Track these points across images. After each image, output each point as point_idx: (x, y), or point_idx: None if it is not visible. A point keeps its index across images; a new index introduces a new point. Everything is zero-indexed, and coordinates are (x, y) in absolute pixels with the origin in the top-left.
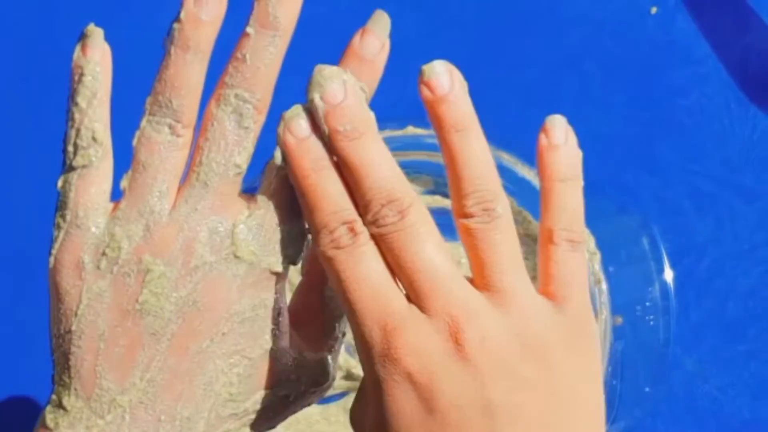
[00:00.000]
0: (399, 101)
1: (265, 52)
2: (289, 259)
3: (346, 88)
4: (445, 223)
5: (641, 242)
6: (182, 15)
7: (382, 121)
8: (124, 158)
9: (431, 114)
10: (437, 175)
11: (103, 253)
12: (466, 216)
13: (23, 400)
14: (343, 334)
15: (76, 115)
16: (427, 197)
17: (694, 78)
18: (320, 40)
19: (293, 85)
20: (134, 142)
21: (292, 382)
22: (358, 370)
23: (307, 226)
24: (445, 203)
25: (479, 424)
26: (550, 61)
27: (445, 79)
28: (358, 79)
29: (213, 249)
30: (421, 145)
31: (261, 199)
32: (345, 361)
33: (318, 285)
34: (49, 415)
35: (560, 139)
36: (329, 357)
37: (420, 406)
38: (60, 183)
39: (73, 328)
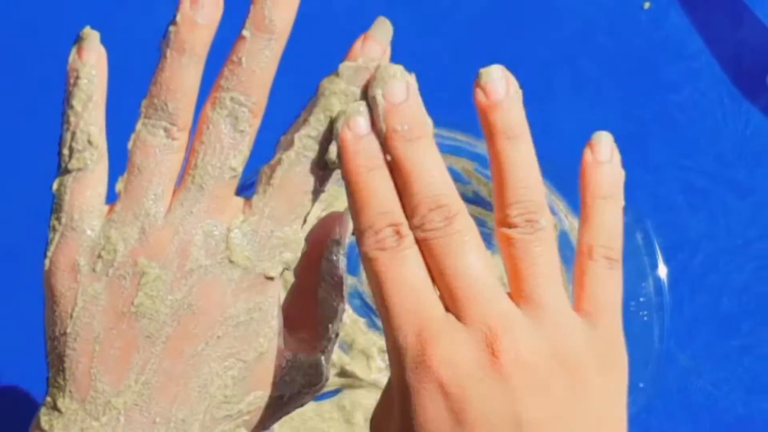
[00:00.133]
0: None
1: (261, 56)
2: (284, 265)
3: (409, 88)
4: None
5: (635, 238)
6: (178, 18)
7: None
8: (119, 161)
9: (483, 119)
10: None
11: (99, 256)
12: (509, 225)
13: (18, 402)
14: (337, 335)
15: (72, 118)
16: None
17: (687, 73)
18: (316, 42)
19: (289, 88)
20: (129, 145)
21: (287, 384)
22: (352, 367)
23: (350, 229)
24: None
25: None
26: (542, 56)
27: (501, 85)
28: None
29: (208, 253)
30: None
31: (256, 204)
32: (338, 358)
33: (311, 286)
34: (44, 417)
35: (605, 156)
36: (323, 358)
37: (449, 417)
38: (55, 185)
39: (68, 330)
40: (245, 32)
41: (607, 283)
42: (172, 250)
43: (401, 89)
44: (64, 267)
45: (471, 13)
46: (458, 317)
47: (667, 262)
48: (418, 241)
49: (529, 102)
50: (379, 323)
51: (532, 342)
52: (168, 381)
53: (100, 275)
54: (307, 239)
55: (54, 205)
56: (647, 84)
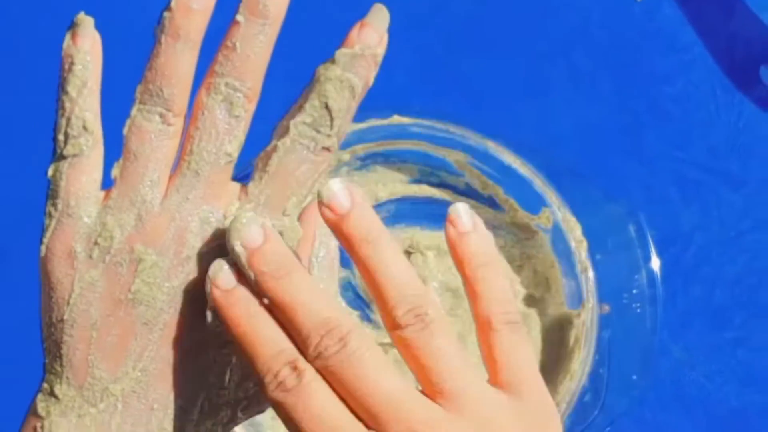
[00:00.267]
0: (384, 91)
1: (255, 41)
2: None
3: (265, 230)
4: (433, 212)
5: (628, 230)
6: (173, 3)
7: (367, 111)
8: (114, 147)
9: (338, 234)
10: (423, 164)
11: (95, 243)
12: (400, 327)
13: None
14: None
15: (67, 104)
16: (414, 186)
17: (680, 65)
18: (311, 30)
19: (283, 73)
20: (125, 130)
21: None
22: None
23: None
24: (432, 192)
25: None
26: (536, 49)
27: (343, 196)
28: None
29: (204, 239)
30: (406, 134)
31: (252, 191)
32: None
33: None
34: (41, 404)
35: (468, 226)
36: None
37: None
38: (50, 171)
39: (65, 317)
40: (239, 17)
41: (518, 347)
42: (168, 236)
43: (257, 233)
44: (61, 253)
45: (465, 6)
46: None
47: (660, 254)
48: (319, 371)
49: (523, 95)
50: (373, 316)
51: None
52: (166, 368)
53: (96, 262)
54: (300, 223)
55: (49, 191)
56: (640, 76)
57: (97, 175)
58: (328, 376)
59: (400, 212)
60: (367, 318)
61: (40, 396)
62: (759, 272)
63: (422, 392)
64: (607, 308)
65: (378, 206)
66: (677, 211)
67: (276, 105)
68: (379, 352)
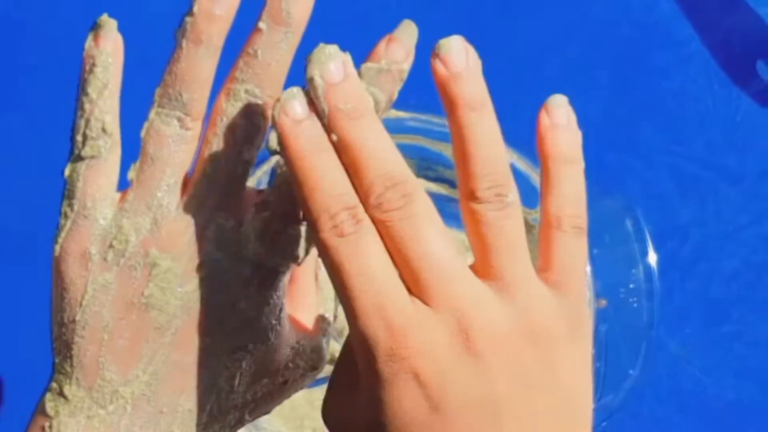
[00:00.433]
0: None
1: (277, 49)
2: (294, 261)
3: (346, 68)
4: None
5: (625, 225)
6: (195, 8)
7: None
8: (131, 148)
9: (443, 91)
10: (420, 158)
11: (110, 245)
12: (477, 200)
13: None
14: (335, 317)
15: (86, 106)
16: None
17: (677, 60)
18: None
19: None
20: (142, 133)
21: (290, 369)
22: None
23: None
24: (430, 186)
25: (484, 421)
26: (533, 43)
27: (461, 56)
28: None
29: (219, 246)
30: (403, 128)
31: (268, 199)
32: (330, 346)
33: (311, 268)
34: (50, 403)
35: (563, 119)
36: (324, 340)
37: (426, 405)
38: (67, 172)
39: (77, 318)
40: (261, 24)
41: (577, 252)
42: (183, 242)
43: (339, 69)
44: (75, 254)
45: (461, 0)
46: (425, 302)
47: (656, 249)
48: (375, 223)
49: (519, 89)
50: None
51: (505, 320)
52: (176, 372)
53: (111, 264)
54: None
55: (66, 192)
56: (637, 70)
57: (114, 177)
58: (384, 231)
59: None
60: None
61: (48, 395)
62: (756, 267)
63: (474, 270)
64: (603, 303)
65: None
66: (674, 205)
67: None
68: (439, 219)
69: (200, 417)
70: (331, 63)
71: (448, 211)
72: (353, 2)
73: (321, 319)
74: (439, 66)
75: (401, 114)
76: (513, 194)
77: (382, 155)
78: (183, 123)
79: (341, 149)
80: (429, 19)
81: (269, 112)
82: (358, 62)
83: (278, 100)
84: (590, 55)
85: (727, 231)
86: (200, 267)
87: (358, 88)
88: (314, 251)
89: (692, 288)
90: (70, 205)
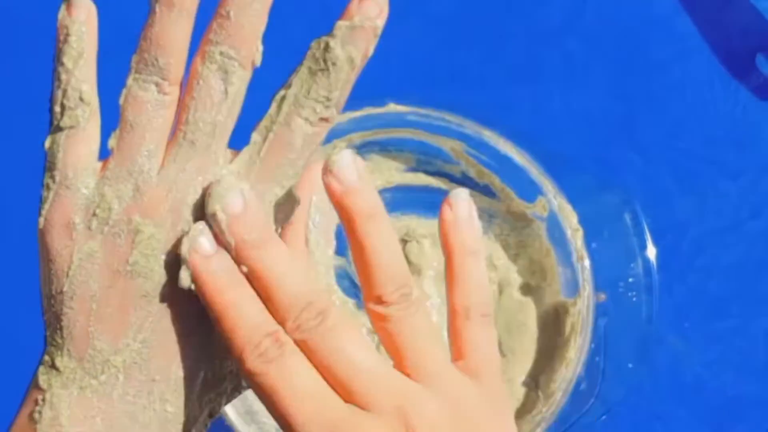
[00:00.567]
0: (379, 78)
1: (250, 9)
2: (277, 223)
3: (245, 197)
4: (428, 200)
5: (624, 219)
6: None
7: (363, 99)
8: (111, 117)
9: (338, 205)
10: (419, 153)
11: (94, 214)
12: (385, 303)
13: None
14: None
15: (63, 76)
16: (410, 174)
17: (676, 54)
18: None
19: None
20: (121, 101)
21: None
22: None
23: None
24: (428, 180)
25: None
26: (532, 37)
27: (351, 170)
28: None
29: (201, 211)
30: (402, 122)
31: (243, 158)
32: None
33: (301, 234)
34: (42, 376)
35: (465, 212)
36: None
37: None
38: (47, 143)
39: (65, 289)
40: None
41: (486, 339)
42: (165, 208)
43: (238, 200)
44: (59, 225)
45: None
46: (361, 406)
47: (656, 243)
48: (297, 344)
49: (519, 84)
50: None
51: (438, 409)
52: (167, 340)
53: (95, 233)
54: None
55: (47, 163)
56: (637, 65)
57: (95, 146)
58: (306, 350)
59: (396, 200)
60: (363, 306)
61: (41, 368)
62: (755, 261)
63: (396, 368)
64: (603, 297)
65: None
66: (673, 199)
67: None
68: (356, 328)
69: (194, 384)
70: (230, 196)
71: None
72: None
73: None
74: (333, 182)
75: (401, 108)
76: (416, 291)
77: (292, 279)
78: (161, 88)
79: (252, 279)
80: (429, 13)
81: (245, 73)
82: None
83: (186, 235)
84: (589, 49)
85: (727, 225)
86: (183, 233)
87: (259, 216)
88: (304, 211)
89: (691, 282)
90: (52, 177)
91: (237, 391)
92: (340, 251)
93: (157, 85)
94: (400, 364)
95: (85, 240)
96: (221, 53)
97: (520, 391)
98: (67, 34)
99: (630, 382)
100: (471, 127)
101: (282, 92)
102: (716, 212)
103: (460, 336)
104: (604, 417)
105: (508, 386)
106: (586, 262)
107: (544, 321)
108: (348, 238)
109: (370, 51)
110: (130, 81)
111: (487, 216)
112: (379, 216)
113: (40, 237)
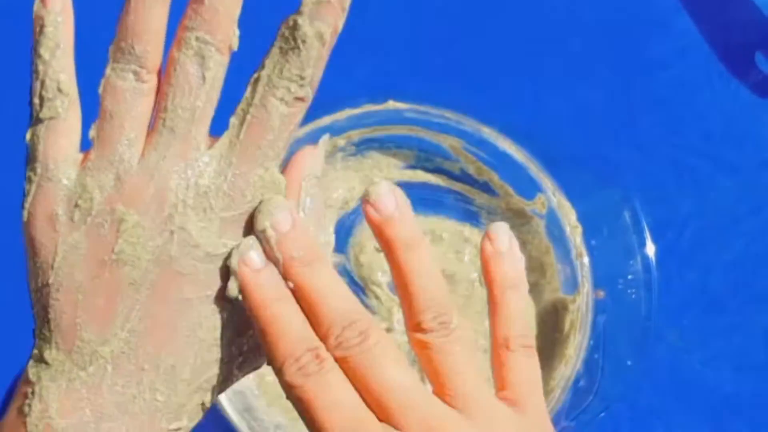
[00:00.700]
0: (379, 75)
1: None
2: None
3: (293, 217)
4: (428, 197)
5: (623, 216)
6: None
7: (362, 96)
8: (93, 108)
9: (379, 234)
10: (419, 150)
11: (76, 205)
12: (424, 331)
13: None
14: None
15: (40, 67)
16: (409, 171)
17: (675, 51)
18: None
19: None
20: (100, 90)
21: None
22: None
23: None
24: (428, 178)
25: None
26: (532, 34)
27: (390, 200)
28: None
29: (184, 196)
30: (401, 119)
31: (224, 141)
32: None
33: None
34: (31, 369)
35: (505, 245)
36: None
37: None
38: (28, 136)
39: (51, 281)
40: None
41: (529, 369)
42: (148, 195)
43: (287, 218)
44: (43, 217)
45: None
46: (397, 427)
47: (655, 240)
48: (337, 360)
49: (518, 81)
50: (368, 301)
51: None
52: (155, 327)
53: (78, 224)
54: (285, 174)
55: (28, 156)
56: (636, 62)
57: (75, 137)
58: (346, 367)
59: None
60: (363, 303)
61: (30, 362)
62: (754, 258)
63: (435, 395)
64: (602, 294)
65: None
66: (672, 196)
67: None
68: (396, 350)
69: (183, 371)
70: (279, 213)
71: (446, 201)
72: None
73: None
74: (371, 212)
75: (399, 105)
76: (456, 319)
77: (337, 297)
78: (139, 76)
79: (298, 295)
80: (428, 11)
81: (223, 58)
82: (352, 42)
83: (236, 248)
84: (589, 47)
85: (726, 222)
86: (168, 219)
87: (307, 235)
88: (294, 197)
89: (690, 279)
90: (33, 169)
91: (229, 380)
92: (339, 248)
93: (135, 73)
94: (439, 391)
95: (69, 231)
96: (197, 38)
97: None
98: (43, 25)
99: (629, 379)
100: (470, 125)
101: (256, 74)
102: (715, 209)
103: (502, 366)
104: (603, 414)
105: None
106: (585, 259)
107: (543, 318)
108: (389, 265)
109: (340, 26)
110: (108, 70)
111: (486, 213)
112: (419, 245)
113: (24, 230)
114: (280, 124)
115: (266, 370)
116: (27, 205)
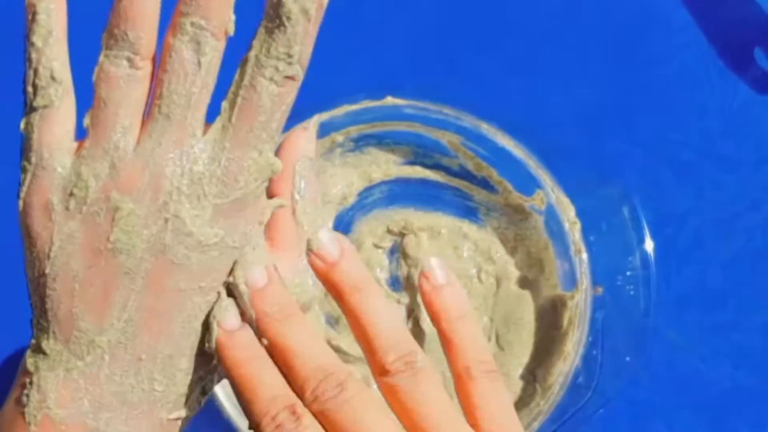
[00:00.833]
0: (377, 72)
1: None
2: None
3: (269, 272)
4: (426, 193)
5: (621, 212)
6: None
7: (360, 92)
8: (87, 96)
9: (327, 282)
10: (417, 146)
11: (71, 194)
12: (390, 373)
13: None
14: None
15: (33, 55)
16: (407, 167)
17: (674, 47)
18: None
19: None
20: (94, 78)
21: None
22: (339, 342)
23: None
24: (426, 173)
25: None
26: (529, 30)
27: (333, 247)
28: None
29: (179, 183)
30: (400, 115)
31: (216, 126)
32: (326, 333)
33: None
34: (29, 359)
35: (442, 279)
36: (309, 277)
37: None
38: (22, 125)
39: (47, 270)
40: None
41: (497, 396)
42: (143, 183)
43: (261, 274)
44: (38, 207)
45: None
46: None
47: (653, 236)
48: (316, 415)
49: (517, 76)
50: None
51: None
52: (151, 317)
53: (74, 213)
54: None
55: (23, 145)
56: (635, 58)
57: (70, 125)
58: (324, 421)
59: (393, 193)
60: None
61: (29, 353)
62: (753, 254)
63: None
64: (600, 290)
65: (371, 187)
66: (671, 193)
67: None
68: (374, 398)
69: (180, 361)
70: (253, 270)
71: (445, 197)
72: None
73: (302, 254)
74: (316, 261)
75: (398, 101)
76: (421, 357)
77: (312, 351)
78: (132, 63)
79: (273, 351)
80: (426, 6)
81: (218, 43)
82: (350, 38)
83: (217, 304)
84: (587, 43)
85: (724, 218)
86: (163, 207)
87: (281, 291)
88: (288, 180)
89: (689, 275)
90: (28, 158)
91: None
92: None
93: (128, 60)
94: None
95: (65, 220)
96: (192, 24)
97: (518, 385)
98: (35, 13)
99: (627, 375)
100: (468, 120)
101: (245, 56)
102: (714, 205)
103: (469, 399)
104: (601, 410)
105: (506, 380)
106: (584, 256)
107: (541, 314)
108: (343, 312)
109: (325, 1)
110: (101, 58)
111: (485, 209)
112: (367, 287)
113: (20, 220)
114: (271, 104)
115: None
116: (22, 195)
